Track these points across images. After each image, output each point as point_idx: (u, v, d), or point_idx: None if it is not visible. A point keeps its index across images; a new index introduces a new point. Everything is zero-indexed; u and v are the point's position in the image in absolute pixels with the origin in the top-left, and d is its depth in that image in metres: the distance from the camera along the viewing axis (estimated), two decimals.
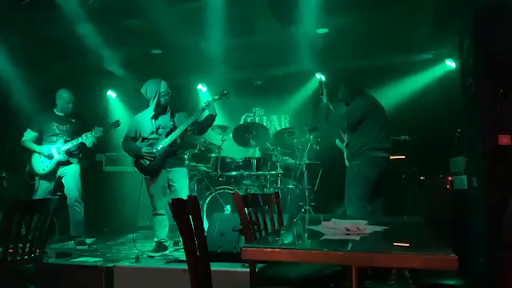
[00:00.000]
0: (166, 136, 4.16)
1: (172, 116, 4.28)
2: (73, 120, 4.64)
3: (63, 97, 4.63)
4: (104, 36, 5.23)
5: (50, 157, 4.47)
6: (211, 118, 4.30)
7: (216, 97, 4.37)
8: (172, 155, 4.18)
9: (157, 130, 4.20)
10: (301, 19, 4.89)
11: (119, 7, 4.64)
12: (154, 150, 4.12)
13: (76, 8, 4.54)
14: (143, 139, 4.24)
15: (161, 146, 4.13)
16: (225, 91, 4.40)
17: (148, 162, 4.14)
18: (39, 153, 4.48)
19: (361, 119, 3.91)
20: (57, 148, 4.48)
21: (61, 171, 4.56)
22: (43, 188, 4.50)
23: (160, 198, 4.20)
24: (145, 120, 4.24)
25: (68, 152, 4.51)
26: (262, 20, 5.01)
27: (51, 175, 4.51)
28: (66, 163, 4.54)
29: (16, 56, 5.36)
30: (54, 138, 4.52)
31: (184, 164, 4.42)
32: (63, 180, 4.59)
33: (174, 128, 4.21)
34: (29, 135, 4.55)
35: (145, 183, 4.24)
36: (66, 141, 4.50)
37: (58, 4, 4.46)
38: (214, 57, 5.90)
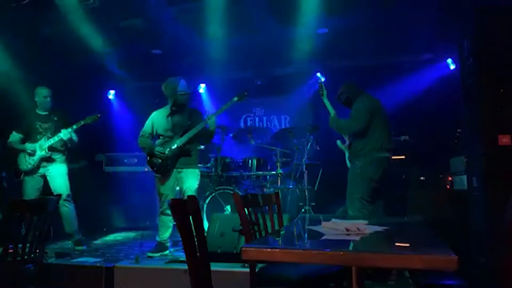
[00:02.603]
0: (181, 135, 4.13)
1: (189, 116, 4.25)
2: (55, 118, 4.69)
3: (40, 92, 4.69)
4: (104, 36, 5.23)
5: (32, 153, 4.55)
6: (209, 133, 4.23)
7: (236, 99, 4.26)
8: (185, 155, 4.14)
9: (173, 128, 4.17)
10: (301, 19, 4.88)
11: (119, 7, 4.64)
12: (167, 150, 4.09)
13: (76, 8, 4.54)
14: (159, 136, 4.23)
15: (175, 145, 4.10)
16: (246, 93, 4.28)
17: (160, 161, 4.11)
18: (22, 150, 4.58)
19: (369, 120, 3.89)
20: (39, 145, 4.57)
21: (46, 168, 4.61)
22: (31, 185, 4.56)
23: (169, 198, 4.17)
24: (162, 118, 4.22)
25: (50, 148, 4.57)
26: (262, 20, 5.01)
27: (34, 170, 4.57)
28: (49, 159, 4.59)
29: (16, 56, 5.36)
30: (38, 137, 4.61)
31: (196, 166, 4.31)
32: (49, 179, 4.62)
33: (190, 128, 4.15)
34: (14, 137, 4.66)
35: (156, 182, 4.22)
36: (48, 138, 4.58)
37: (58, 4, 4.46)
38: (214, 57, 5.90)
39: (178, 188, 4.24)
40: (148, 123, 4.29)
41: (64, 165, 4.69)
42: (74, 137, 4.63)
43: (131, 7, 4.69)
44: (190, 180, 4.15)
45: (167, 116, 4.21)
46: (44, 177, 4.62)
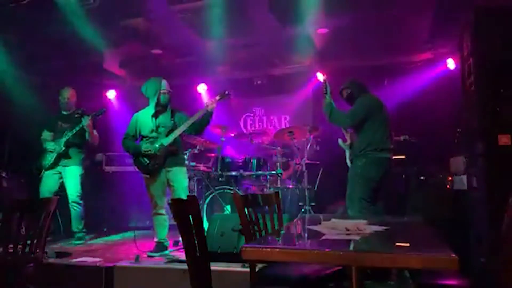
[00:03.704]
0: (167, 135, 4.14)
1: (172, 115, 4.27)
2: (76, 116, 4.83)
3: (61, 94, 4.95)
4: (104, 36, 5.22)
5: (52, 151, 4.77)
6: (208, 117, 4.24)
7: (218, 97, 4.31)
8: (172, 155, 4.16)
9: (157, 128, 4.18)
10: (301, 19, 4.88)
11: (119, 7, 4.64)
12: (154, 148, 4.11)
13: (76, 8, 4.54)
14: (143, 137, 4.23)
15: (161, 144, 4.11)
16: (227, 92, 4.34)
17: (148, 161, 4.12)
18: (45, 148, 4.81)
19: (366, 118, 3.86)
20: (58, 144, 4.77)
21: (62, 167, 4.78)
22: (48, 183, 4.74)
23: (160, 198, 4.18)
24: (146, 118, 4.22)
25: (67, 144, 4.75)
26: (262, 20, 5.01)
27: (53, 167, 4.77)
28: (66, 155, 4.78)
29: (16, 56, 5.36)
30: (60, 135, 4.81)
31: (183, 164, 4.38)
32: (64, 179, 4.79)
33: (174, 127, 4.18)
34: (45, 135, 4.93)
35: (145, 183, 4.22)
36: (65, 135, 4.78)
37: (58, 4, 4.46)
38: (214, 57, 5.90)
39: (167, 188, 4.25)
40: (131, 124, 4.28)
41: (79, 167, 4.86)
42: (95, 132, 4.83)
43: (131, 7, 4.69)
44: (180, 179, 4.17)
45: (152, 117, 4.20)
46: (60, 177, 4.79)
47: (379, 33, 5.38)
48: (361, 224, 1.92)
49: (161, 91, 4.20)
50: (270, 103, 7.28)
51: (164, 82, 4.25)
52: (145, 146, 4.12)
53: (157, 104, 4.20)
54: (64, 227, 5.21)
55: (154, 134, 4.18)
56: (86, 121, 4.64)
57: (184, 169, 4.32)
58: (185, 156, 4.92)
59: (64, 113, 4.94)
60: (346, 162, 4.18)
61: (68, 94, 4.92)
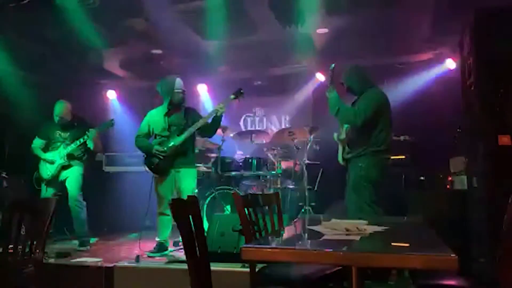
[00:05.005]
0: (179, 134, 4.13)
1: (185, 115, 4.26)
2: (75, 124, 4.76)
3: (55, 111, 4.71)
4: (104, 36, 5.22)
5: (52, 162, 4.63)
6: (219, 118, 4.22)
7: (232, 96, 4.28)
8: (182, 155, 4.15)
9: (169, 127, 4.18)
10: (301, 19, 4.88)
11: (119, 7, 4.64)
12: (165, 148, 4.09)
13: (76, 8, 4.54)
14: (155, 135, 4.24)
15: (172, 143, 4.10)
16: (242, 90, 4.29)
17: (158, 160, 4.11)
18: (44, 159, 4.67)
19: (376, 117, 3.66)
20: (58, 153, 4.64)
21: (64, 174, 4.69)
22: (49, 193, 4.64)
23: (167, 198, 4.16)
24: (158, 117, 4.22)
25: (69, 156, 4.63)
26: (262, 20, 5.01)
27: (54, 179, 4.67)
28: (68, 166, 4.67)
29: (16, 56, 5.35)
30: (58, 144, 4.68)
31: (194, 165, 4.33)
32: (66, 182, 4.70)
33: (186, 127, 4.17)
34: (37, 143, 4.76)
35: (154, 182, 4.22)
36: (67, 146, 4.65)
37: (58, 4, 4.46)
38: (214, 57, 5.90)
39: (174, 188, 4.23)
40: (144, 123, 4.29)
41: (80, 167, 4.75)
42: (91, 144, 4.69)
43: (131, 7, 4.68)
44: (188, 180, 4.15)
45: (164, 116, 4.20)
46: (62, 183, 4.69)
47: (379, 33, 5.37)
48: (361, 224, 1.92)
49: (175, 90, 4.18)
50: (270, 103, 7.28)
51: (178, 81, 4.23)
52: (156, 147, 4.11)
53: (170, 103, 4.19)
54: (64, 227, 5.20)
55: (166, 133, 4.17)
56: (93, 135, 4.51)
57: (194, 170, 4.28)
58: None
59: (63, 122, 4.73)
60: (338, 158, 3.98)
61: (61, 110, 4.66)
